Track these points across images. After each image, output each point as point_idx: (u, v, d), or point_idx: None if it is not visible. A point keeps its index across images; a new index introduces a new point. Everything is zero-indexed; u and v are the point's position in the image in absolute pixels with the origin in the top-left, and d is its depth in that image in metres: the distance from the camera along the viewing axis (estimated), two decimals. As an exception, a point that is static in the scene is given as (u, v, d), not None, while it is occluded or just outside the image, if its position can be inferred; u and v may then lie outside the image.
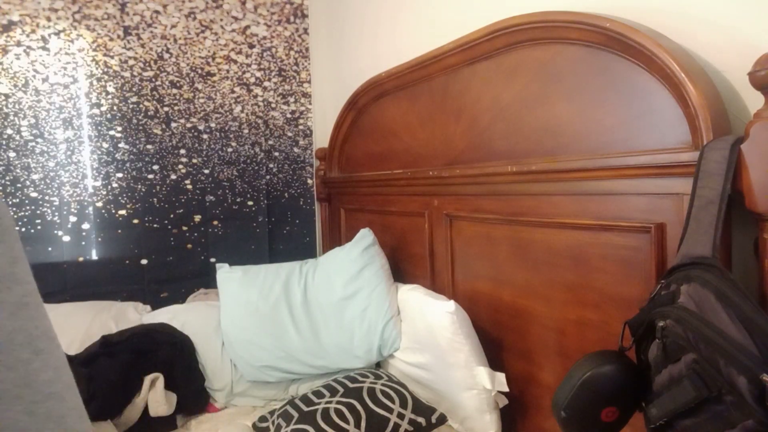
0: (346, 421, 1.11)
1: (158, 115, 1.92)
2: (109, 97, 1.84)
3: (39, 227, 1.77)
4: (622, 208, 0.96)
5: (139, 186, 1.90)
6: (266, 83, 2.09)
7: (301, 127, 2.17)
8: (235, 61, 2.03)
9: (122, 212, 1.87)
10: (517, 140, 1.19)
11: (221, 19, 2.00)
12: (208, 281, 1.95)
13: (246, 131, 2.06)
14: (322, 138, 2.16)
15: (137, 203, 1.89)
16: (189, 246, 1.97)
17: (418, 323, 1.35)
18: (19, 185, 1.75)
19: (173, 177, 1.95)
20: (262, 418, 1.28)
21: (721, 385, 0.60)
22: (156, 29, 1.89)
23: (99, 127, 1.83)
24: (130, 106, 1.87)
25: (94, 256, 1.84)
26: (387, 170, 1.69)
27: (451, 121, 1.40)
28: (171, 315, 1.57)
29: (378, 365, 1.51)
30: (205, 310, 1.63)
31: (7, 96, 1.72)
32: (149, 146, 1.91)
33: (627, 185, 0.95)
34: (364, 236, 1.56)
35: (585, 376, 0.74)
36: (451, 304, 1.23)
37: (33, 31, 1.74)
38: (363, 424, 1.11)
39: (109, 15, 1.82)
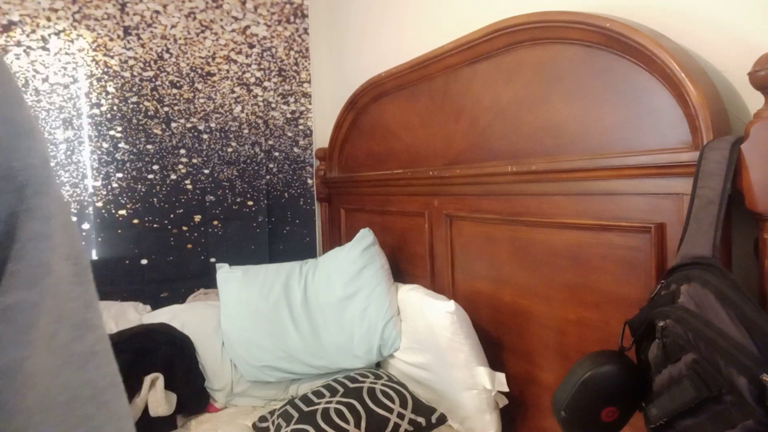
0: (346, 421, 1.11)
1: (158, 115, 1.92)
2: (109, 97, 1.84)
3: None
4: (622, 208, 0.96)
5: (139, 186, 1.89)
6: (266, 83, 2.09)
7: (301, 127, 2.16)
8: (235, 61, 2.03)
9: (122, 212, 1.87)
10: (517, 140, 1.19)
11: (221, 19, 1.99)
12: (208, 281, 1.95)
13: (246, 131, 2.06)
14: (322, 138, 2.16)
15: (137, 203, 1.89)
16: (189, 246, 1.97)
17: (418, 323, 1.35)
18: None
19: (173, 177, 1.95)
20: (262, 418, 1.28)
21: (721, 385, 0.60)
22: (156, 29, 1.89)
23: (99, 127, 1.83)
24: (130, 106, 1.87)
25: (94, 256, 1.84)
26: (387, 170, 1.69)
27: (451, 121, 1.40)
28: (171, 315, 1.56)
29: (378, 365, 1.51)
30: (205, 310, 1.63)
31: (7, 96, 1.72)
32: (149, 146, 1.90)
33: (627, 185, 0.95)
34: (364, 236, 1.56)
35: (585, 376, 0.74)
36: (451, 304, 1.23)
37: (33, 31, 1.73)
38: (363, 424, 1.11)
39: (109, 15, 1.82)
